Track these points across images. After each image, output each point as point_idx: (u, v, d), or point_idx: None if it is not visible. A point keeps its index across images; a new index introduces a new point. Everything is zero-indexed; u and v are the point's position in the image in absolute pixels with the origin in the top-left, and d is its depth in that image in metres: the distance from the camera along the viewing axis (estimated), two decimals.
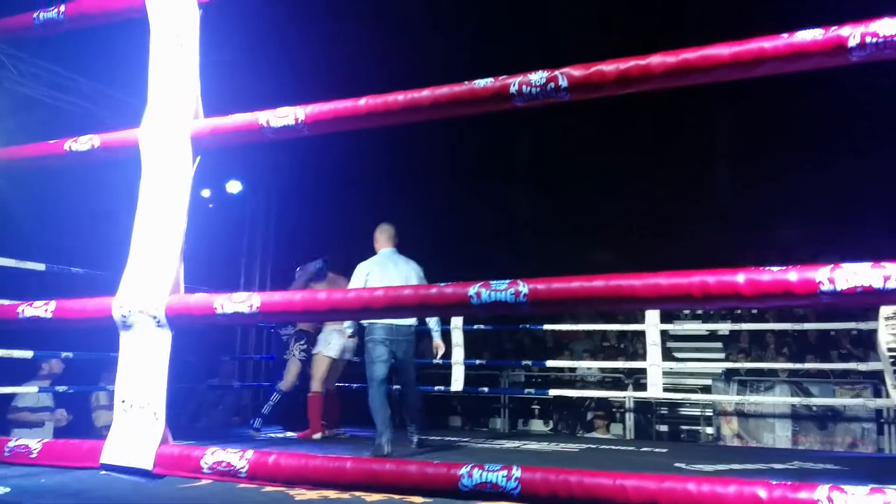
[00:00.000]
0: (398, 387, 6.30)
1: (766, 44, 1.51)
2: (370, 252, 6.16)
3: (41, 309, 2.23)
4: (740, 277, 1.42)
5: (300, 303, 1.93)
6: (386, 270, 5.91)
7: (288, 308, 1.95)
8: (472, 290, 1.69)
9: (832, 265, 1.35)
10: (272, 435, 7.06)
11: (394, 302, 1.79)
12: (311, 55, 8.32)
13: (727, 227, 13.48)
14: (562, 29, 9.13)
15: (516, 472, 1.55)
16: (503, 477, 1.56)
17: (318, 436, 7.14)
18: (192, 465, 1.93)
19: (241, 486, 3.42)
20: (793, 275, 1.38)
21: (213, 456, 1.89)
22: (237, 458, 1.87)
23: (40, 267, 6.47)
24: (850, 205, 11.97)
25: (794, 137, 12.03)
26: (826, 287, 1.34)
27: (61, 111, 7.48)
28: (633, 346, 10.37)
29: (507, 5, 9.04)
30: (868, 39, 1.41)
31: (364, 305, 1.84)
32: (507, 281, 1.67)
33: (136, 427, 2.05)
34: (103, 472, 2.07)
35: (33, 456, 2.18)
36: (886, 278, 1.30)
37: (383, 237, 6.15)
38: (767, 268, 1.41)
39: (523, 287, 1.64)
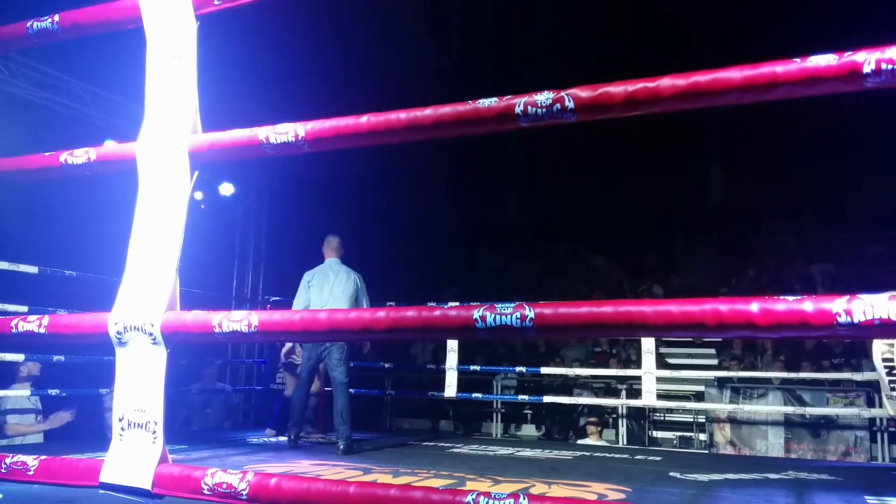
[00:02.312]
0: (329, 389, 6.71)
1: (779, 68, 1.48)
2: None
3: (34, 324, 2.19)
4: (754, 306, 1.39)
5: (299, 322, 1.90)
6: (326, 278, 6.56)
7: (287, 328, 1.92)
8: (477, 313, 1.66)
9: (849, 296, 1.32)
10: (265, 440, 7.02)
11: (396, 324, 1.76)
12: (310, 62, 8.31)
13: (719, 230, 13.54)
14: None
15: (523, 501, 1.52)
16: None
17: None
18: (192, 486, 1.90)
19: None
20: (808, 305, 1.34)
21: (214, 477, 1.87)
22: (237, 479, 1.84)
23: (33, 270, 6.41)
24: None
25: (786, 138, 12.10)
26: (843, 319, 1.31)
27: (52, 112, 7.40)
28: (625, 351, 10.34)
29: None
30: (884, 66, 1.38)
31: (365, 326, 1.81)
32: (513, 304, 1.64)
33: (134, 446, 2.02)
34: (102, 491, 2.04)
35: (30, 473, 2.15)
36: None
37: (328, 248, 6.79)
38: (782, 297, 1.38)
39: (529, 311, 1.61)
